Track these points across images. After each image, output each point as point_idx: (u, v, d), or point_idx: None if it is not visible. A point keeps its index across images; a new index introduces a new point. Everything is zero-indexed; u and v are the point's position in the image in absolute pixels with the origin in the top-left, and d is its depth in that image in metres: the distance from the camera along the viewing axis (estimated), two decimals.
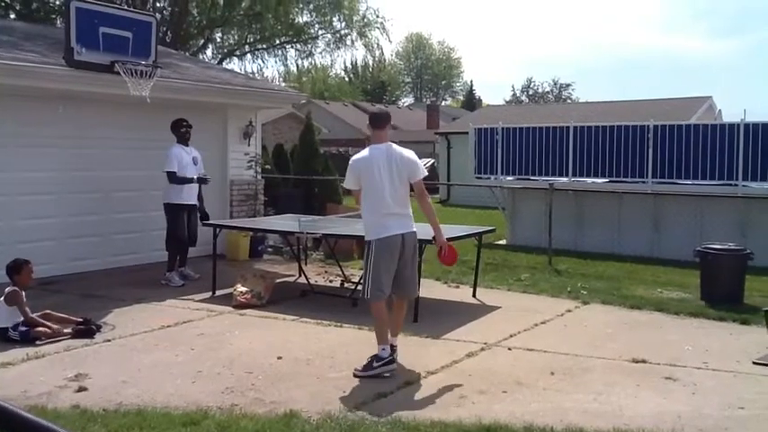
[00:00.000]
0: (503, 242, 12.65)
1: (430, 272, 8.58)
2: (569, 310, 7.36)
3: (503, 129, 12.99)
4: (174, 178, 8.42)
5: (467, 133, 14.24)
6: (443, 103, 63.73)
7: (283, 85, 28.36)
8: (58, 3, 21.35)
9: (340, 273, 8.54)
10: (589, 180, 12.08)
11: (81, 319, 6.20)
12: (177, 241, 8.57)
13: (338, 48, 27.62)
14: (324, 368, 5.25)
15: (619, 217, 11.75)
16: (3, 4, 21.34)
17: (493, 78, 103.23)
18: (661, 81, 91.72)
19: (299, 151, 15.47)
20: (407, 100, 70.27)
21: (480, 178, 13.33)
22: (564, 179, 12.13)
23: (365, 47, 28.11)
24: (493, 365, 5.37)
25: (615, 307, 7.53)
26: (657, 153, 11.30)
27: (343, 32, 27.17)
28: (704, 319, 6.99)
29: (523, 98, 63.30)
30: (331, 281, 8.74)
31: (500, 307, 7.48)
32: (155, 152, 8.97)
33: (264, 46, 27.46)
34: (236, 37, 27.32)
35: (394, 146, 5.40)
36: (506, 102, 60.81)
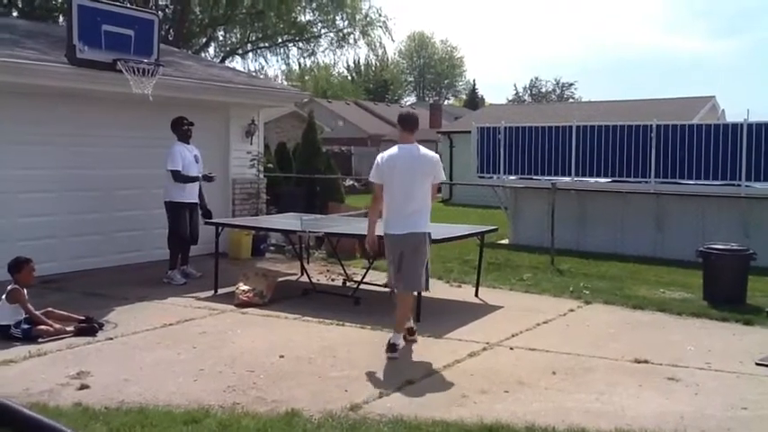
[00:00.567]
0: (505, 242, 12.63)
1: (432, 271, 8.54)
2: (572, 310, 7.35)
3: (505, 128, 12.96)
4: (178, 177, 8.41)
5: (469, 132, 14.20)
6: (446, 103, 63.62)
7: (286, 83, 28.39)
8: (60, 0, 21.35)
9: (342, 272, 8.53)
10: (592, 180, 12.05)
11: (83, 317, 6.21)
12: (179, 239, 8.57)
13: (341, 46, 27.67)
14: (326, 367, 5.24)
15: (621, 217, 11.73)
16: (5, 2, 21.33)
17: (495, 78, 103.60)
18: (664, 81, 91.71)
19: (301, 150, 15.43)
20: (410, 99, 70.30)
21: (483, 177, 13.30)
22: (567, 179, 12.11)
23: (368, 45, 28.16)
24: (495, 365, 5.36)
25: (617, 307, 7.52)
26: (660, 153, 11.27)
27: (345, 31, 27.22)
28: (707, 319, 6.98)
29: (526, 98, 63.22)
30: (333, 280, 8.74)
31: (502, 306, 7.48)
32: (157, 150, 8.97)
33: (267, 44, 27.47)
34: (238, 35, 27.35)
35: (421, 147, 5.75)
36: (509, 101, 60.78)
